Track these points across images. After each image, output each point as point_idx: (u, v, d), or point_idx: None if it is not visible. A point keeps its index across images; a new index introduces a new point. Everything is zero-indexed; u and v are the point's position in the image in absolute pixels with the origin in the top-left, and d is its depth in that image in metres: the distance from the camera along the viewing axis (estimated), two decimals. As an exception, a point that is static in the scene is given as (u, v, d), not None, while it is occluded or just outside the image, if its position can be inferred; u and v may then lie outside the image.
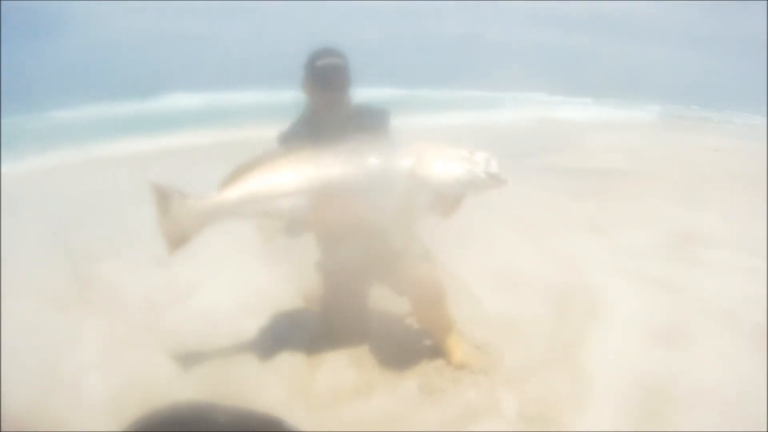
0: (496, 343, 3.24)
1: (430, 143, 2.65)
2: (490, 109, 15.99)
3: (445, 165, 2.53)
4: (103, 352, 3.32)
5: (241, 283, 3.95)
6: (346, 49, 2.88)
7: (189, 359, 3.16)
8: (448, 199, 2.59)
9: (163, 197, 2.55)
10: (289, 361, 3.12)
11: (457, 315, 3.26)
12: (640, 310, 3.79)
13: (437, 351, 3.08)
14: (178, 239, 2.59)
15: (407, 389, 2.89)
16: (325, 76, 2.78)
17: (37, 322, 3.72)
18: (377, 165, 2.54)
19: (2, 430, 2.70)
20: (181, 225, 2.56)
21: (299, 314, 3.57)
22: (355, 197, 2.54)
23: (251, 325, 3.46)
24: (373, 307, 3.35)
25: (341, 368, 3.04)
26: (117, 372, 3.12)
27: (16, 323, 3.64)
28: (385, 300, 3.37)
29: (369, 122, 2.87)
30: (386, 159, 2.56)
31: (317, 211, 2.53)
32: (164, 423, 0.70)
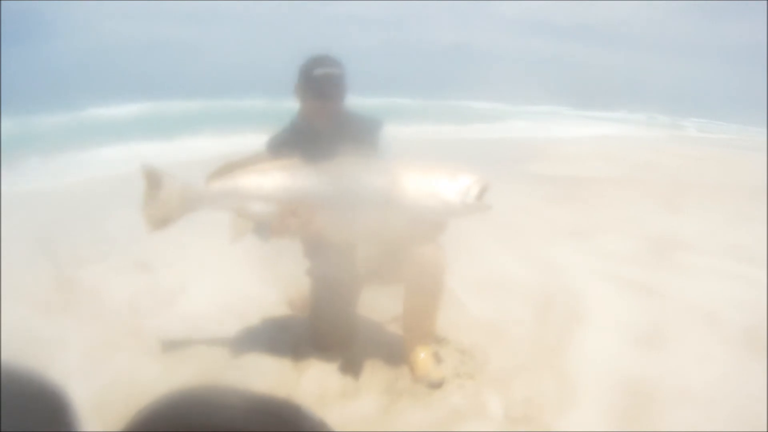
0: (481, 347, 3.24)
1: (416, 162, 2.65)
2: (478, 119, 16.16)
3: (423, 191, 2.52)
4: (87, 358, 3.27)
5: (226, 287, 3.93)
6: (338, 57, 2.87)
7: (174, 364, 3.13)
8: (426, 226, 2.62)
9: (154, 178, 2.62)
10: (275, 366, 3.10)
11: (443, 319, 3.25)
12: (622, 314, 3.84)
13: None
14: (160, 220, 2.65)
15: (393, 393, 2.88)
16: (321, 85, 2.76)
17: (20, 327, 3.69)
18: (354, 184, 2.55)
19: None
20: (166, 207, 2.63)
21: (285, 319, 3.55)
22: (324, 212, 2.55)
23: (237, 330, 3.45)
24: (362, 313, 3.34)
25: (327, 373, 3.02)
26: (102, 378, 3.08)
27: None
28: (374, 306, 3.41)
29: (360, 133, 2.86)
30: (366, 178, 2.56)
31: (282, 220, 2.55)
32: (178, 405, 0.70)
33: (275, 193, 2.58)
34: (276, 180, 2.59)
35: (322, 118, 2.85)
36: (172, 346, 3.27)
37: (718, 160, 10.98)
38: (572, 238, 5.39)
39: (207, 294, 3.89)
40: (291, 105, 3.00)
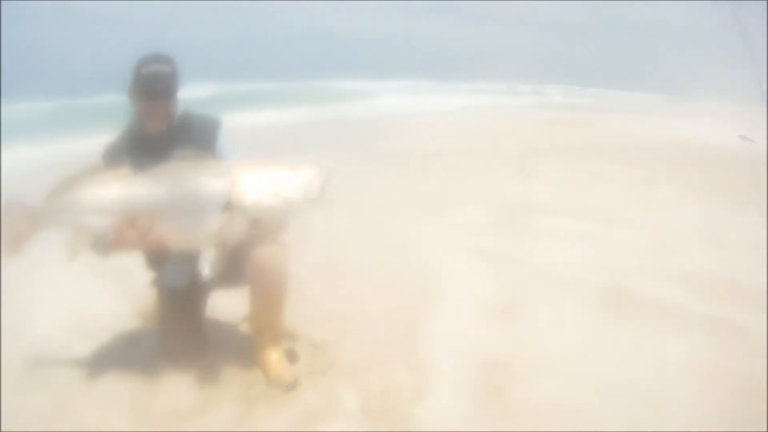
0: (333, 340, 3.22)
1: (256, 160, 2.59)
2: (341, 99, 16.11)
3: (263, 191, 2.47)
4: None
5: (73, 306, 3.72)
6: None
7: (26, 394, 2.92)
8: (267, 226, 2.58)
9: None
10: (128, 386, 2.94)
11: (294, 313, 3.22)
12: (478, 287, 3.91)
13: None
14: (10, 246, 2.56)
15: (249, 400, 2.79)
16: (149, 84, 2.63)
17: None
18: (191, 189, 2.48)
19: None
20: (12, 230, 2.54)
21: (137, 333, 3.41)
22: (163, 221, 2.47)
23: (87, 352, 3.25)
24: (215, 317, 3.28)
25: (182, 386, 2.89)
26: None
27: None
28: (227, 309, 3.31)
29: (197, 134, 2.78)
30: (203, 182, 2.49)
31: (120, 233, 2.46)
32: None
33: (111, 205, 2.49)
34: (111, 191, 2.50)
35: (154, 120, 2.74)
36: (22, 375, 3.05)
37: (576, 124, 11.45)
38: (427, 215, 5.46)
39: (55, 315, 3.65)
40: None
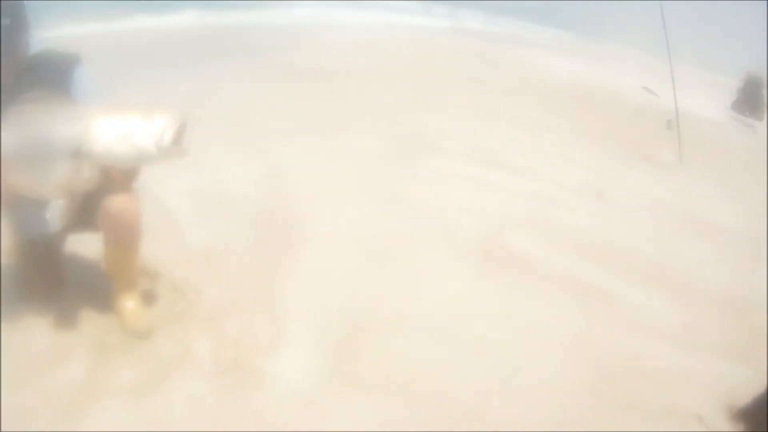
0: (195, 281, 3.14)
1: (110, 106, 2.49)
2: (245, 6, 15.27)
3: (114, 138, 2.37)
4: None
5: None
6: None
7: None
8: (118, 175, 2.49)
9: None
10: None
11: (159, 248, 3.17)
12: (353, 227, 3.81)
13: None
14: None
15: (103, 350, 2.70)
16: None
17: None
18: (41, 135, 2.36)
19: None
20: None
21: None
22: (13, 168, 2.35)
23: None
24: (73, 259, 3.15)
25: (38, 332, 2.79)
26: None
27: None
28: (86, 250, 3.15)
29: (50, 75, 2.58)
30: (53, 128, 2.38)
31: None
32: None
33: None
34: None
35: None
36: None
37: (485, 57, 11.07)
38: (314, 141, 5.26)
39: None
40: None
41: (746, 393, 2.78)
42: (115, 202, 2.60)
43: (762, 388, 2.72)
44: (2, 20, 2.40)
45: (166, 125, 2.41)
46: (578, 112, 8.05)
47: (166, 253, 3.30)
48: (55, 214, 2.59)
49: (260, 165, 4.65)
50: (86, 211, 2.69)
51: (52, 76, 2.60)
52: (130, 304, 2.82)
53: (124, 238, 2.71)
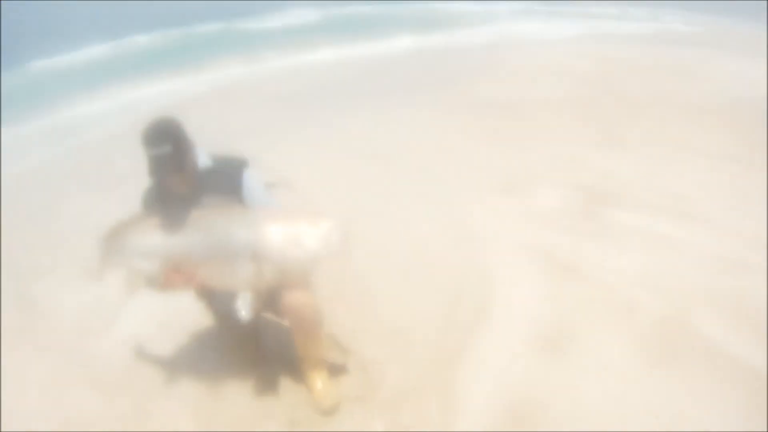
0: (381, 360, 3.41)
1: (279, 208, 2.91)
2: (439, 24, 15.64)
3: (286, 242, 2.70)
4: (34, 387, 3.62)
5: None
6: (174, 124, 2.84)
7: (112, 392, 3.47)
8: (293, 274, 2.84)
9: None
10: (193, 392, 3.38)
11: (354, 322, 3.58)
12: (531, 306, 3.77)
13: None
14: (95, 273, 3.11)
15: (293, 422, 3.09)
16: (155, 167, 2.77)
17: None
18: (221, 240, 2.75)
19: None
20: (102, 261, 3.04)
21: (209, 336, 3.74)
22: (202, 267, 2.78)
23: (167, 351, 3.72)
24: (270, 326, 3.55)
25: (240, 397, 3.27)
26: (46, 406, 3.44)
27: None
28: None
29: (222, 182, 2.95)
30: (230, 234, 2.75)
31: (167, 277, 2.81)
32: None
33: (156, 251, 2.84)
34: (154, 239, 2.85)
35: (173, 188, 2.93)
36: (110, 372, 3.62)
37: (683, 67, 9.67)
38: (492, 191, 5.27)
39: (144, 313, 4.09)
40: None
41: None
42: (292, 298, 2.94)
43: None
44: (164, 148, 2.73)
45: (331, 229, 2.70)
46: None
47: (359, 326, 3.63)
48: (245, 302, 2.86)
49: (447, 221, 4.81)
50: (272, 300, 3.01)
51: (224, 183, 2.94)
52: (318, 383, 3.16)
53: (304, 329, 3.04)
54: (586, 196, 5.15)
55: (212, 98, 10.17)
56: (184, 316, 3.91)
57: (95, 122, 9.83)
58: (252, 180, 3.00)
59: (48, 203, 6.35)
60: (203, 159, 2.97)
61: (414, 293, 4.00)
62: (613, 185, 5.37)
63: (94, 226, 3.13)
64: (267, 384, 3.32)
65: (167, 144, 2.73)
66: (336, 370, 3.30)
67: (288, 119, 8.26)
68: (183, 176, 2.86)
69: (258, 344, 3.49)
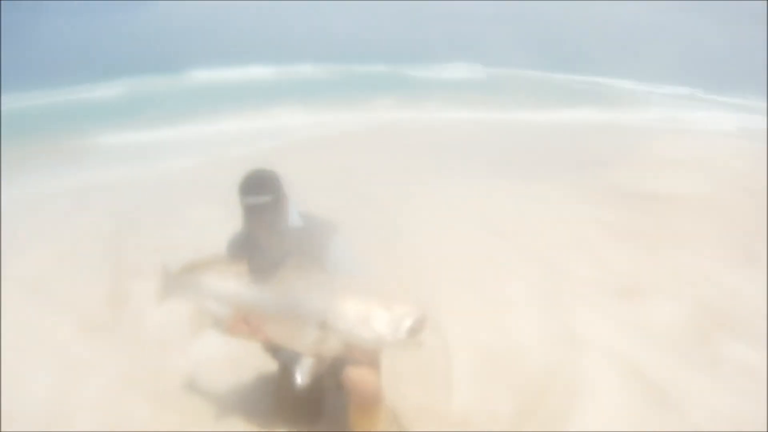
0: None
1: (359, 282, 2.79)
2: (592, 101, 15.32)
3: (357, 319, 2.62)
4: (104, 388, 3.71)
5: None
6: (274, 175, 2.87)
7: (163, 407, 3.53)
8: (359, 352, 2.73)
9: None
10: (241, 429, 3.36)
11: (421, 402, 3.46)
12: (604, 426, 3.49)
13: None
14: (160, 295, 3.11)
15: None
16: (250, 215, 2.81)
17: (60, 342, 4.16)
18: (295, 303, 2.72)
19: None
20: (163, 288, 3.08)
21: (271, 384, 3.68)
22: (269, 324, 2.78)
23: (221, 389, 3.71)
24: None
25: None
26: (106, 412, 3.51)
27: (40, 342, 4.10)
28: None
29: (307, 243, 2.92)
30: (306, 298, 2.71)
31: (235, 325, 2.82)
32: None
33: (228, 297, 2.85)
34: (230, 285, 2.86)
35: (261, 237, 2.93)
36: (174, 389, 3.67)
37: None
38: (610, 297, 4.88)
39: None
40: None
41: None
42: (355, 374, 2.86)
43: None
44: (261, 199, 2.76)
45: (405, 317, 2.59)
46: None
47: (427, 408, 3.49)
48: (305, 367, 2.83)
49: (548, 317, 4.51)
50: (336, 369, 2.94)
51: (310, 244, 2.91)
52: None
53: (362, 405, 2.94)
54: (705, 318, 4.66)
55: (362, 137, 10.44)
56: (256, 357, 3.78)
57: (243, 140, 10.29)
58: (339, 249, 2.95)
59: (178, 209, 6.62)
60: (295, 217, 2.96)
61: (492, 385, 3.79)
62: (739, 311, 4.81)
63: (211, 239, 3.20)
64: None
65: (266, 195, 2.76)
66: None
67: (428, 170, 8.28)
68: (275, 230, 2.86)
69: (314, 407, 3.43)
